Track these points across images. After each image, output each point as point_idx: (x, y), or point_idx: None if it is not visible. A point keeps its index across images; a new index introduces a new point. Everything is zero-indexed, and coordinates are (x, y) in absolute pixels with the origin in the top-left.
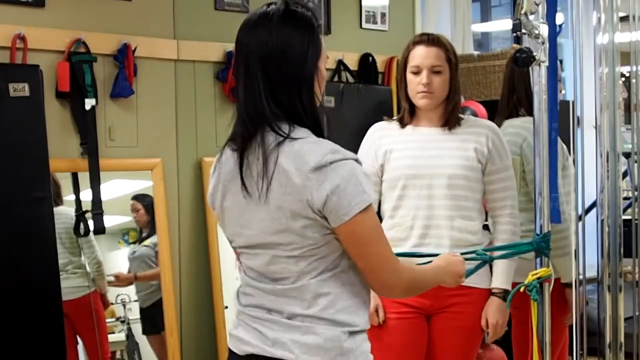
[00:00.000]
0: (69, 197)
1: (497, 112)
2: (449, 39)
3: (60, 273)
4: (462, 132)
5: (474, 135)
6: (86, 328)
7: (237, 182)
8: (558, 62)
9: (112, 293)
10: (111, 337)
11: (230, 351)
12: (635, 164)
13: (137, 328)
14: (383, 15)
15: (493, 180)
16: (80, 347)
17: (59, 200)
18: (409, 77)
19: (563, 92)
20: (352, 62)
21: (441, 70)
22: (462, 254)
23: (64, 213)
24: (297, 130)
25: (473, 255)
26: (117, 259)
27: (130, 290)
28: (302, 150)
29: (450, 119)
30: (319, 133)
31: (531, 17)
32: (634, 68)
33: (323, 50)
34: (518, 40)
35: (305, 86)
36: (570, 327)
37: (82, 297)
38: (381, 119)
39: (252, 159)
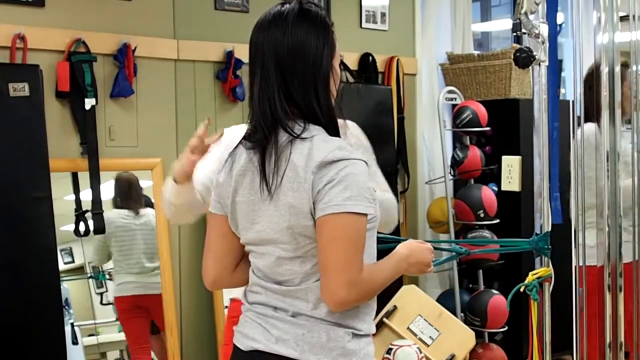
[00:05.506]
0: (69, 196)
1: None
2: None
3: (153, 270)
4: None
5: None
6: (159, 321)
7: (249, 178)
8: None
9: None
10: (111, 337)
11: (235, 347)
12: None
13: None
14: (383, 15)
15: None
16: None
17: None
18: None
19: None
20: (352, 61)
21: None
22: (429, 241)
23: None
24: (310, 129)
25: (447, 245)
26: None
27: None
28: (312, 148)
29: None
30: (334, 132)
31: (531, 17)
32: (634, 68)
33: (337, 48)
34: (518, 40)
35: (322, 85)
36: (571, 327)
37: (160, 294)
38: (381, 119)
39: (266, 156)
